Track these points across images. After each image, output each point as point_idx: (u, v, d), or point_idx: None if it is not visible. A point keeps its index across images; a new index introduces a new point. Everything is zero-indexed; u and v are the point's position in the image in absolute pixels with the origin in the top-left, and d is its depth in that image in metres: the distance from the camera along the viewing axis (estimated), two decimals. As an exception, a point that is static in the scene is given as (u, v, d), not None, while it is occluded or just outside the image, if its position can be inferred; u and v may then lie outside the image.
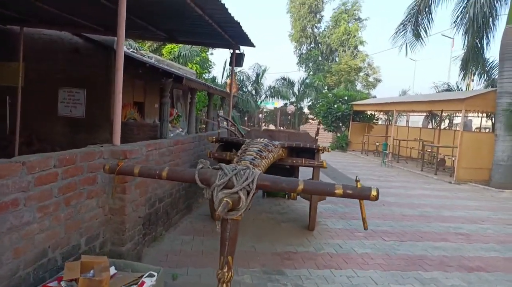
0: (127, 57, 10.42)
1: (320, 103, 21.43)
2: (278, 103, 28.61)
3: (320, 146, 5.51)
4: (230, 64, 9.18)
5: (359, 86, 32.85)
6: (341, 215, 7.02)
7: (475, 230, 6.69)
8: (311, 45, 39.59)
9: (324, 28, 39.32)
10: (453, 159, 13.13)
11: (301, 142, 5.55)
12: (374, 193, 2.69)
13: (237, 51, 9.35)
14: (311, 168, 5.66)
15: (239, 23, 7.23)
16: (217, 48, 25.49)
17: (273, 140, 6.78)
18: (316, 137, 7.64)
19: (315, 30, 39.62)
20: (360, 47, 36.60)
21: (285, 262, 4.59)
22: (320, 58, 38.49)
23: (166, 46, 21.89)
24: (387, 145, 16.20)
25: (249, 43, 9.11)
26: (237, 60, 9.26)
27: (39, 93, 9.24)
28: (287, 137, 7.21)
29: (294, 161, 5.38)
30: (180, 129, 11.28)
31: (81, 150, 3.28)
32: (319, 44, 39.15)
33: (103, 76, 9.48)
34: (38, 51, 9.35)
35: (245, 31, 7.89)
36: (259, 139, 4.67)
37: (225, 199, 2.77)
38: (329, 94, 21.01)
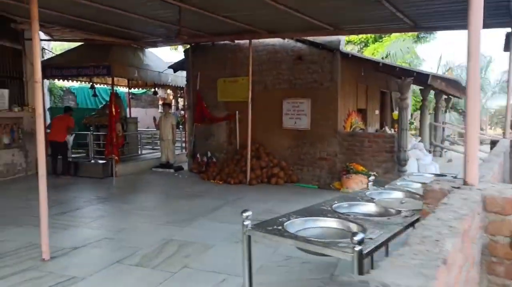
0: (353, 57, 9.11)
1: None
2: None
3: None
4: (505, 49, 6.68)
5: None
6: None
7: None
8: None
9: None
10: None
11: None
12: None
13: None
14: None
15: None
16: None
17: None
18: None
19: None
20: None
21: None
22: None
23: (368, 48, 20.17)
24: None
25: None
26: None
27: (264, 106, 8.83)
28: None
29: None
30: (414, 139, 9.26)
31: None
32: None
33: (327, 83, 8.40)
34: (262, 63, 8.97)
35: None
36: None
37: None
38: None
